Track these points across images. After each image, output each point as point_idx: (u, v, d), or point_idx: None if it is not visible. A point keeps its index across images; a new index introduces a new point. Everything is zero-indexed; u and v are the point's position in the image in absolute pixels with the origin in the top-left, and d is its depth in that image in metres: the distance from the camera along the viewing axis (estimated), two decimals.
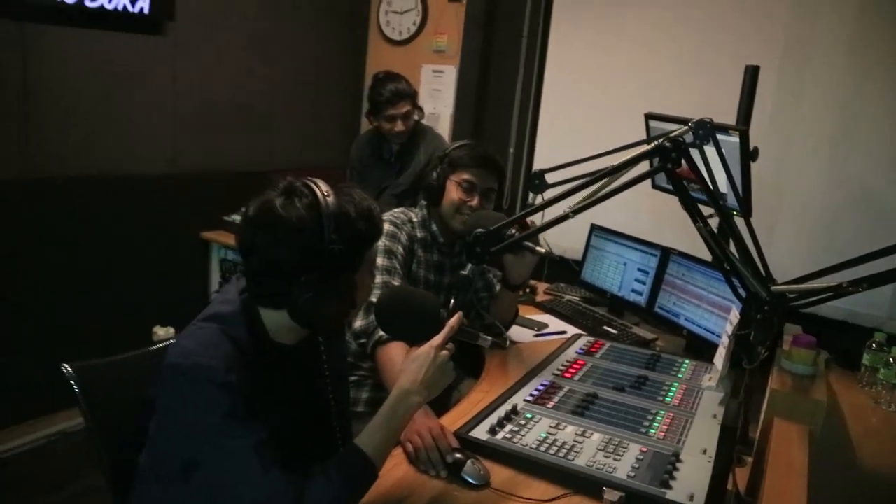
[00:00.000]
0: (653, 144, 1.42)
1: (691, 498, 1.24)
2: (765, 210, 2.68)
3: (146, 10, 2.72)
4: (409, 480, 1.30)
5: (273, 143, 3.56)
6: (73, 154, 2.73)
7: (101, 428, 1.30)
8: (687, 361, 1.95)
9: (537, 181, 1.92)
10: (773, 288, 1.42)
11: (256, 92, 3.41)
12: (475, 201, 1.83)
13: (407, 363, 1.20)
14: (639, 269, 2.35)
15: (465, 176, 1.83)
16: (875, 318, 2.72)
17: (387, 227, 1.81)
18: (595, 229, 2.59)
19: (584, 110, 3.25)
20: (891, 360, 1.92)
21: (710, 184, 1.58)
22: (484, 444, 1.41)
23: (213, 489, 1.08)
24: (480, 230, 1.44)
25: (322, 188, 1.09)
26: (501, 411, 1.54)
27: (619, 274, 2.43)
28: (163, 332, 3.02)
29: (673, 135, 1.45)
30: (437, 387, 1.19)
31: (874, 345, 2.02)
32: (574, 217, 1.39)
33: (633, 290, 2.36)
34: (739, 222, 1.56)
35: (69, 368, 1.29)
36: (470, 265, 1.46)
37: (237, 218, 3.02)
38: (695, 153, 1.55)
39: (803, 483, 1.09)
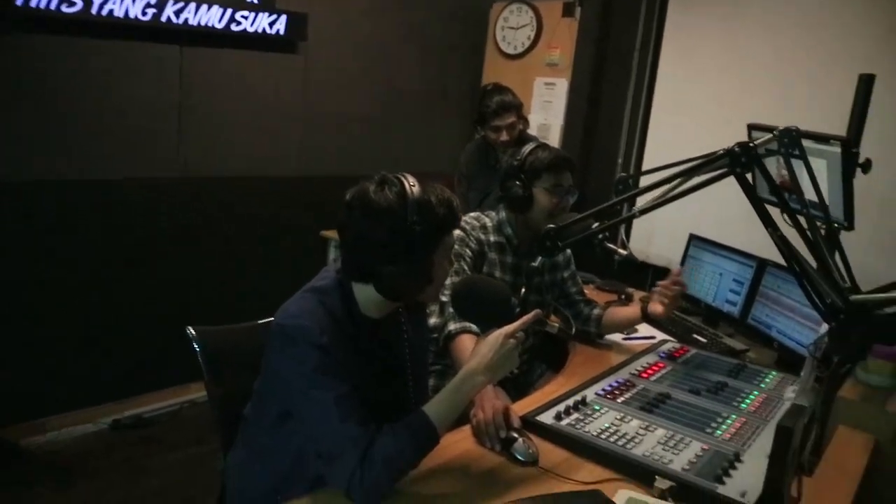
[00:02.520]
0: (724, 149, 1.46)
1: (743, 495, 1.27)
2: (866, 223, 2.55)
3: (282, 32, 3.04)
4: (468, 452, 1.42)
5: (392, 150, 3.80)
6: (220, 158, 3.10)
7: (216, 383, 1.53)
8: (774, 373, 1.92)
9: (621, 186, 1.98)
10: (853, 297, 1.41)
11: (378, 103, 3.67)
12: (566, 202, 1.92)
13: (478, 347, 1.33)
14: (734, 280, 2.32)
15: (552, 181, 1.91)
16: None
17: (456, 232, 1.93)
18: (693, 239, 2.58)
19: (693, 122, 3.23)
20: None
21: (803, 192, 1.57)
22: (548, 427, 1.50)
23: (300, 435, 1.28)
24: (552, 225, 1.53)
25: (409, 180, 1.28)
26: (571, 401, 1.61)
27: (715, 284, 2.41)
28: None
29: (755, 143, 1.47)
30: (502, 370, 1.30)
31: None
32: (640, 216, 1.46)
33: (728, 301, 2.33)
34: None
35: (192, 331, 1.54)
36: (540, 258, 1.55)
37: None
38: (797, 165, 1.56)
39: (853, 484, 1.10)
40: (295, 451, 1.32)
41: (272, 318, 1.29)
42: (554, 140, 3.71)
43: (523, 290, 1.48)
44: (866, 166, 1.98)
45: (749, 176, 1.46)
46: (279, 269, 3.38)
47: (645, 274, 3.30)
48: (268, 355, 1.33)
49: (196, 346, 1.53)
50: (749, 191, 1.42)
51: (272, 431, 1.34)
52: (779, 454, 1.23)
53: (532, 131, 3.25)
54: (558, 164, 1.91)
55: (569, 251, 2.13)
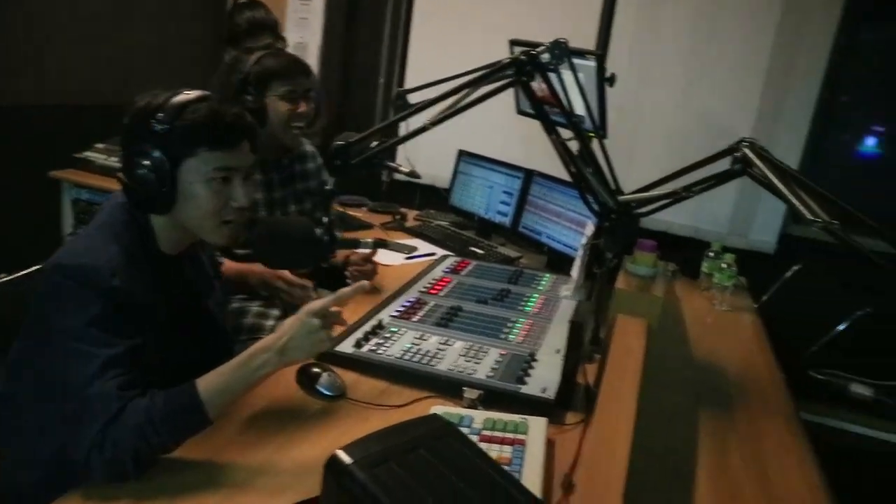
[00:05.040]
0: (509, 58, 1.46)
1: (544, 391, 1.34)
2: (625, 134, 2.85)
3: None
4: (270, 396, 1.30)
5: (127, 74, 3.30)
6: None
7: None
8: (548, 275, 2.06)
9: (400, 101, 1.91)
10: (620, 198, 1.52)
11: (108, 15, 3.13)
12: (304, 107, 1.80)
13: (283, 322, 1.19)
14: (504, 192, 2.43)
15: (286, 87, 1.77)
16: (717, 234, 2.98)
17: None
18: (462, 155, 2.64)
19: (455, 39, 3.25)
20: (723, 265, 2.12)
21: (566, 105, 1.64)
22: (349, 356, 1.44)
23: (52, 388, 1.05)
24: (341, 142, 1.43)
25: (183, 91, 1.13)
26: (367, 327, 1.57)
27: (486, 197, 2.50)
28: None
29: (537, 51, 1.49)
30: (299, 351, 1.14)
31: (711, 253, 2.22)
32: (432, 128, 1.41)
33: (499, 212, 2.44)
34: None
35: None
36: (333, 178, 1.45)
37: (91, 155, 2.83)
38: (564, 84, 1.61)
39: (638, 364, 1.20)
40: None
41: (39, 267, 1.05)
42: (312, 60, 3.51)
43: (325, 219, 1.37)
44: (612, 80, 2.16)
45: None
46: None
47: (413, 193, 3.34)
48: (35, 310, 1.08)
49: None
50: (533, 99, 1.44)
51: (36, 410, 1.10)
52: (573, 348, 1.32)
53: (289, 51, 3.02)
54: (290, 68, 1.78)
55: (319, 160, 2.03)
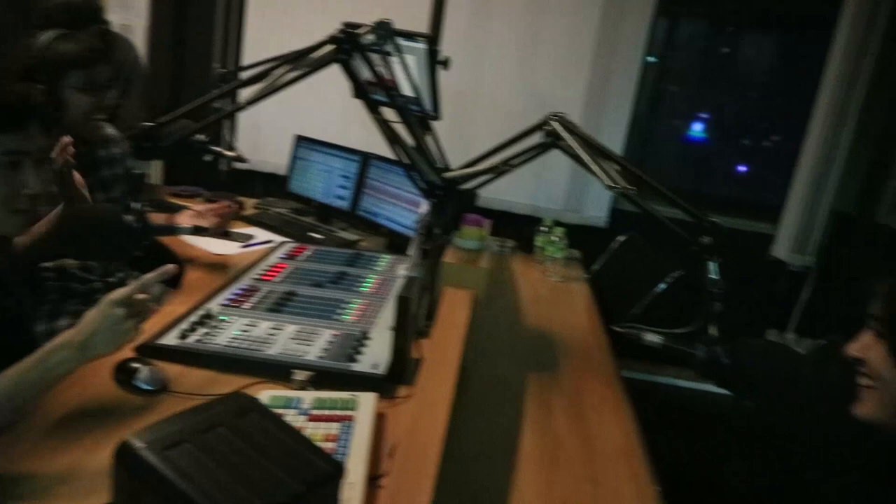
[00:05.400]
0: (328, 36, 1.44)
1: (375, 367, 1.34)
2: (466, 116, 2.92)
3: None
4: (82, 396, 1.21)
5: None
6: None
7: None
8: (387, 256, 2.07)
9: (220, 82, 1.84)
10: (446, 175, 1.55)
11: None
12: (105, 98, 1.64)
13: (82, 318, 1.09)
14: (342, 176, 2.41)
15: (82, 77, 1.58)
16: (554, 210, 3.14)
17: None
18: (300, 140, 2.59)
19: (292, 21, 3.15)
20: (554, 238, 2.23)
21: (392, 85, 1.65)
22: (173, 348, 1.36)
23: None
24: (147, 123, 1.34)
25: None
26: (195, 317, 1.49)
27: (324, 182, 2.47)
28: None
29: (357, 30, 1.48)
30: (102, 346, 1.06)
31: (543, 228, 2.33)
32: (248, 108, 1.36)
33: (338, 196, 2.42)
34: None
35: None
36: (142, 162, 1.36)
37: None
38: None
39: (461, 333, 1.24)
40: None
41: None
42: (139, 42, 3.27)
43: (134, 205, 1.27)
44: (446, 63, 2.20)
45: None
46: None
47: (253, 182, 3.22)
48: None
49: None
50: (353, 77, 1.44)
51: None
52: (401, 322, 1.33)
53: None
54: (86, 56, 1.58)
55: (126, 144, 1.90)
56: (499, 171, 1.40)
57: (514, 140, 1.41)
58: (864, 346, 0.96)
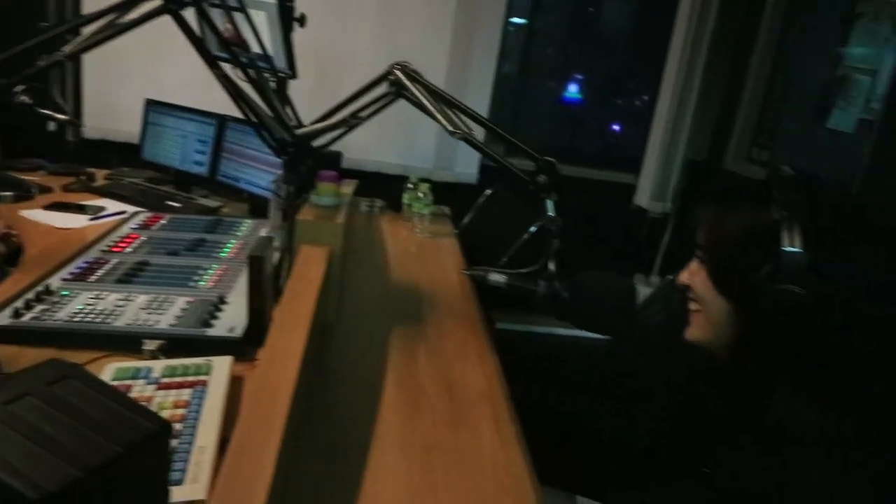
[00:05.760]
0: None
1: (231, 330, 1.31)
2: (328, 74, 2.85)
3: None
4: None
5: None
6: None
7: None
8: (248, 221, 2.00)
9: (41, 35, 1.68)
10: (298, 131, 1.51)
11: None
12: None
13: None
14: (198, 140, 2.29)
15: None
16: (426, 169, 3.16)
17: None
18: (151, 104, 2.44)
19: None
20: (420, 194, 2.25)
21: (238, 42, 1.58)
22: (5, 328, 1.26)
23: None
24: None
25: None
26: (31, 294, 1.39)
27: (180, 147, 2.34)
28: None
29: None
30: None
31: (409, 185, 2.34)
32: (68, 60, 1.25)
33: (196, 162, 2.31)
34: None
35: None
36: None
37: None
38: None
39: (315, 288, 1.22)
40: None
41: None
42: None
43: None
44: (302, 20, 2.12)
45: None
46: None
47: (108, 153, 3.01)
48: None
49: None
50: (185, 29, 1.35)
51: None
52: (255, 282, 1.30)
53: None
54: None
55: None
56: (349, 124, 1.38)
57: (361, 92, 1.39)
58: (691, 272, 1.03)
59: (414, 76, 1.28)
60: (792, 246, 0.85)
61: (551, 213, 1.23)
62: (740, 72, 3.25)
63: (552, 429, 1.52)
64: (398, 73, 1.27)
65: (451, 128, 1.17)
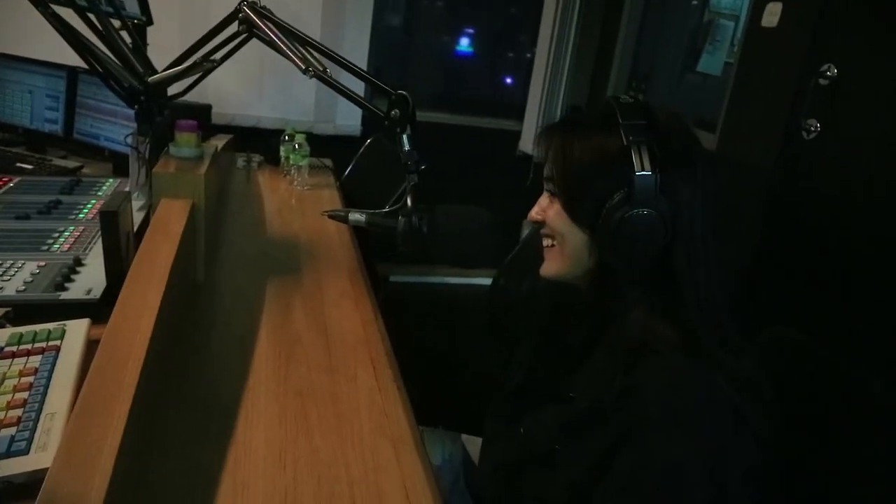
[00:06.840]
0: None
1: (89, 292, 1.24)
2: (196, 22, 2.68)
3: None
4: None
5: None
6: None
7: None
8: (111, 180, 1.88)
9: None
10: (150, 79, 1.42)
11: None
12: None
13: None
14: (48, 96, 2.12)
15: None
16: (307, 123, 3.08)
17: None
18: None
19: None
20: (296, 146, 2.19)
21: None
22: None
23: None
24: None
25: None
26: None
27: (28, 104, 2.15)
28: None
29: None
30: None
31: (285, 137, 2.27)
32: None
33: (48, 120, 2.13)
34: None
35: None
36: None
37: None
38: None
39: (172, 243, 1.17)
40: None
41: None
42: None
43: None
44: None
45: None
46: None
47: None
48: None
49: None
50: None
51: None
52: (111, 239, 1.23)
53: None
54: None
55: None
56: (203, 68, 1.31)
57: (211, 34, 1.31)
58: (542, 208, 1.03)
59: (264, 13, 1.22)
60: (641, 169, 0.87)
61: (407, 147, 1.21)
62: (614, 19, 3.34)
63: (440, 373, 1.54)
64: (247, 9, 1.20)
65: (302, 65, 1.13)
